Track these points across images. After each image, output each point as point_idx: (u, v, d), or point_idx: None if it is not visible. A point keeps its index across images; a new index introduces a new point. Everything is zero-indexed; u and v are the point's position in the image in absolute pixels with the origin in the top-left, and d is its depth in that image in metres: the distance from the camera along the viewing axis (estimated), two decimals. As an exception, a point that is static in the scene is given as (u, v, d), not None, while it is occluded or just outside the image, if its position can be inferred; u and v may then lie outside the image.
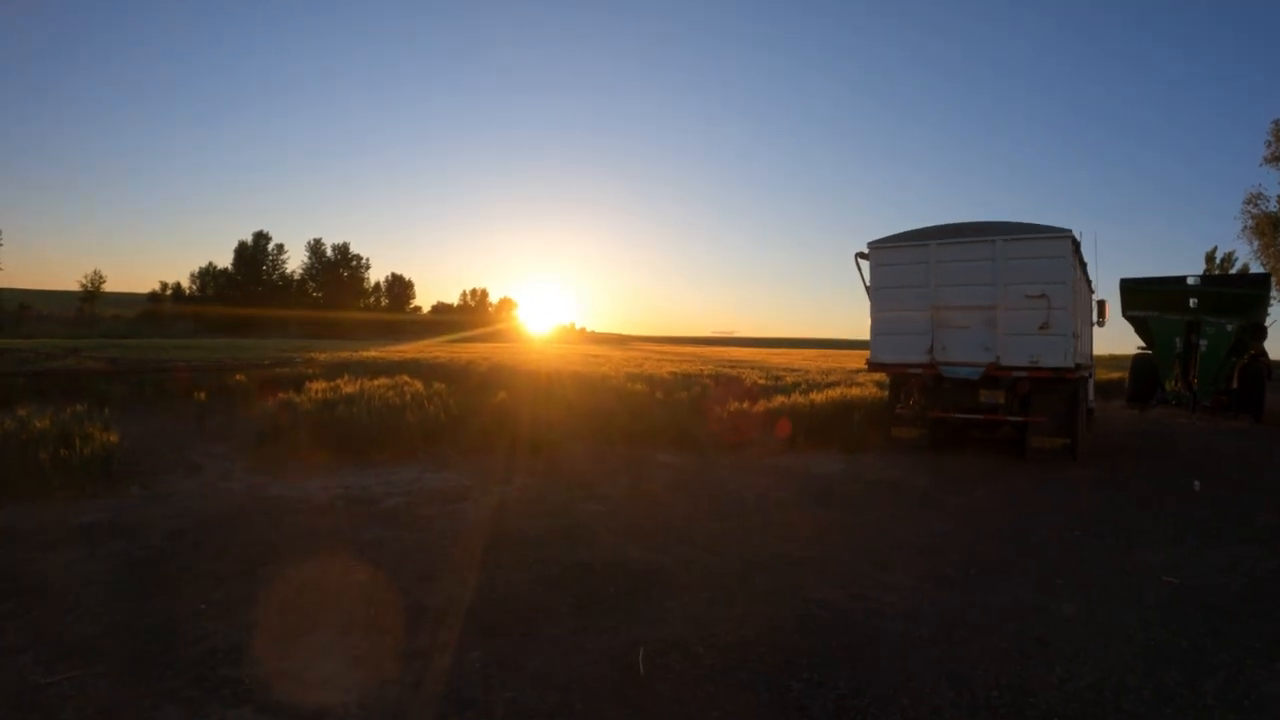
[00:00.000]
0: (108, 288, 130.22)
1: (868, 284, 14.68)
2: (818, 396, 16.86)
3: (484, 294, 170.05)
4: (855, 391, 18.11)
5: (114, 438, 10.11)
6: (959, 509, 9.58)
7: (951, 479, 11.50)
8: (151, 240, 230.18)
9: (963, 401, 13.85)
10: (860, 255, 14.72)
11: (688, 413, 15.87)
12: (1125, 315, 22.05)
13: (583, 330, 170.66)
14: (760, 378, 23.15)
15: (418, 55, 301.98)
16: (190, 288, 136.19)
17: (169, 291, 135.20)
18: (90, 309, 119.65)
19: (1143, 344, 23.04)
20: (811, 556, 7.30)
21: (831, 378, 23.58)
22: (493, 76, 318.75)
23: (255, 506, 8.76)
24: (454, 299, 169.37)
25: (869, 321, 14.68)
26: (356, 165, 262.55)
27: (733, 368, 28.10)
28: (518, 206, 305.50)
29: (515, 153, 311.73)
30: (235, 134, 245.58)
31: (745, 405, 15.58)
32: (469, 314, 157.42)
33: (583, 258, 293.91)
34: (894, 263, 14.33)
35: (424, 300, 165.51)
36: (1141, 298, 21.73)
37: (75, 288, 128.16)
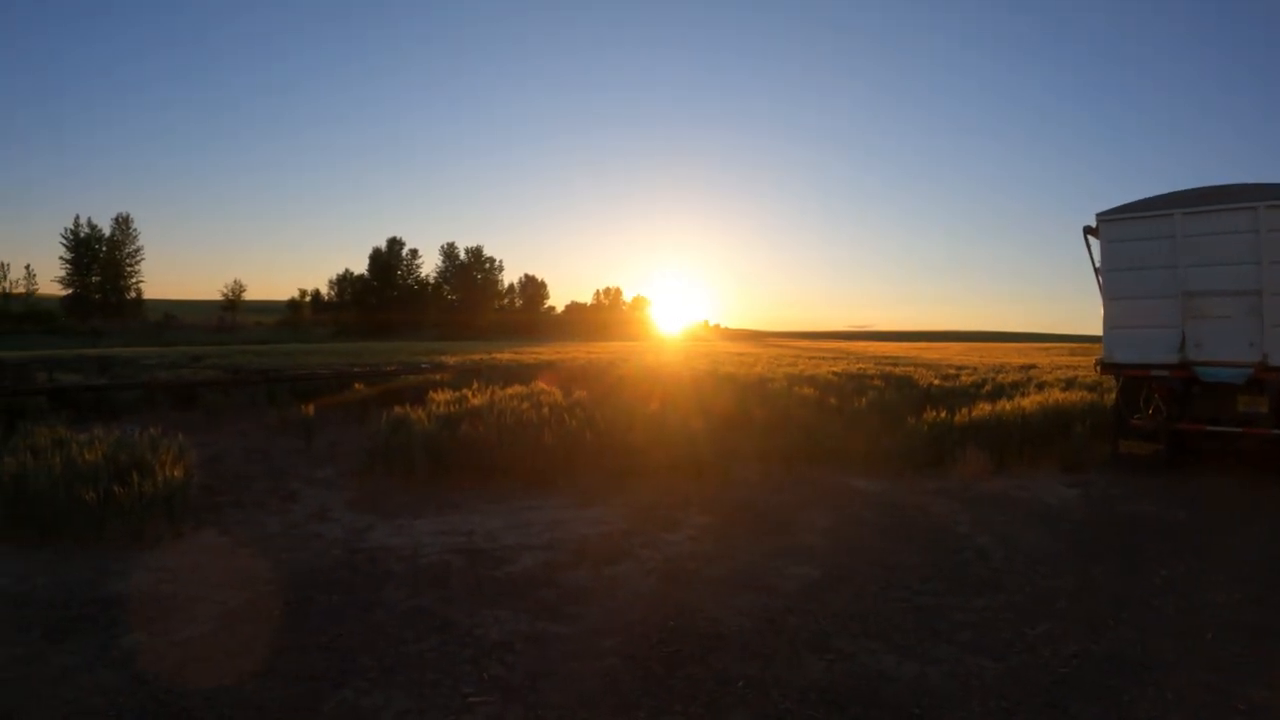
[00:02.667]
0: (250, 296, 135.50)
1: (1097, 265, 11.98)
2: (1026, 403, 14.12)
3: (617, 292, 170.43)
4: (1059, 396, 15.24)
5: (179, 472, 8.26)
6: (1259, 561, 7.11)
7: (1218, 512, 8.96)
8: (292, 249, 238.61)
9: (1216, 410, 11.04)
10: (1089, 230, 12.02)
11: (874, 424, 13.40)
12: None
13: (716, 327, 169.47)
14: (934, 378, 20.54)
15: (547, 55, 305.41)
16: (328, 294, 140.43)
17: (307, 298, 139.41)
18: (232, 317, 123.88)
19: None
20: (1123, 655, 4.95)
21: (1008, 376, 20.83)
22: (624, 74, 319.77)
23: (344, 567, 6.67)
24: (587, 298, 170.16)
25: (1100, 311, 11.98)
26: (489, 168, 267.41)
27: (894, 365, 25.58)
28: (650, 203, 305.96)
29: (646, 149, 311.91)
30: (370, 142, 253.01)
31: (941, 414, 12.96)
32: (602, 313, 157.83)
33: (713, 253, 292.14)
34: (1130, 238, 11.55)
35: (557, 300, 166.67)
36: None
37: (218, 297, 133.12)
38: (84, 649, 4.95)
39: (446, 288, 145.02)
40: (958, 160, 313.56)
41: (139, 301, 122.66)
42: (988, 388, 18.07)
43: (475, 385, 14.44)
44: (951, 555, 7.17)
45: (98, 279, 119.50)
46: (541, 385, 15.23)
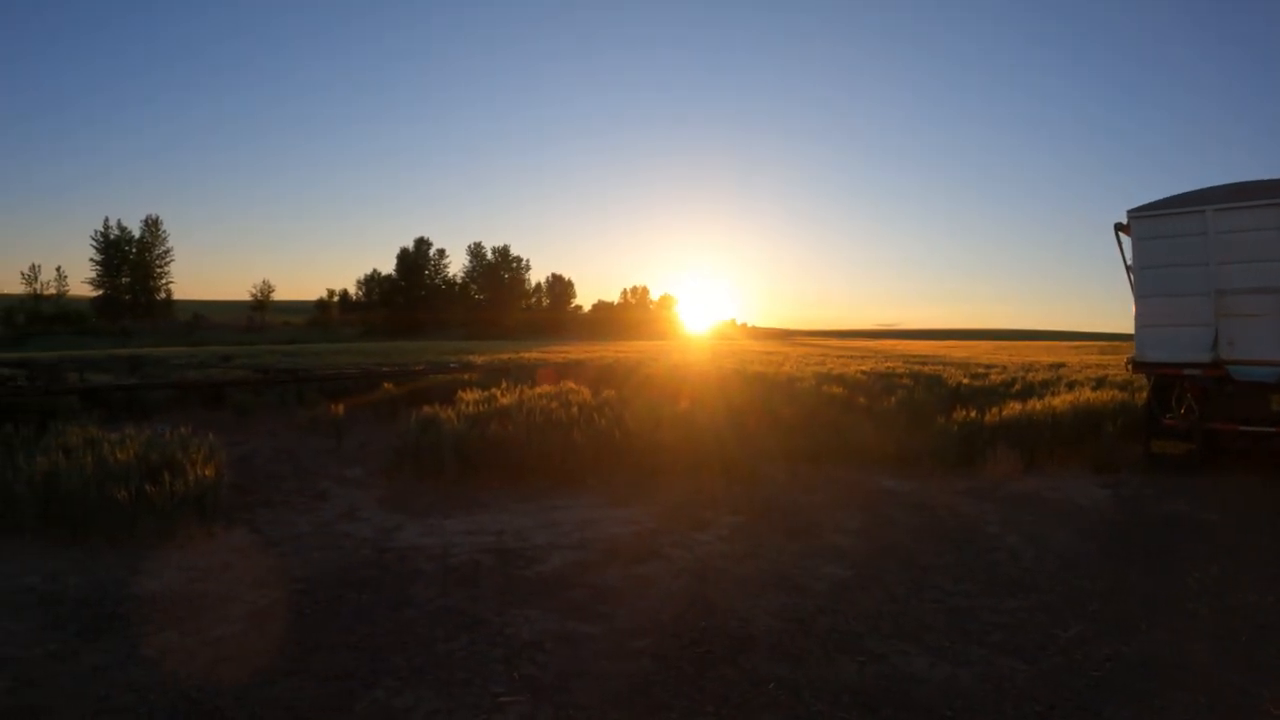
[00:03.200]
0: (278, 296, 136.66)
1: (1129, 263, 11.79)
2: (1057, 402, 13.94)
3: (644, 291, 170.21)
4: (1090, 395, 15.03)
5: (210, 471, 8.29)
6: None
7: (1251, 512, 8.79)
8: (320, 250, 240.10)
9: (1250, 410, 10.82)
10: (1120, 227, 11.84)
11: (904, 423, 13.28)
12: None
13: (743, 326, 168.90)
14: (963, 376, 20.33)
15: (574, 55, 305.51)
16: (356, 294, 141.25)
17: (335, 298, 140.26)
18: (260, 317, 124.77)
19: None
20: (1157, 658, 4.88)
21: (1038, 375, 20.58)
22: (651, 73, 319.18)
23: (374, 566, 6.68)
24: (614, 297, 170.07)
25: (1132, 309, 11.78)
26: (515, 168, 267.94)
27: (923, 364, 25.37)
28: (677, 202, 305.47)
29: (674, 148, 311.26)
30: (398, 143, 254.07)
31: (970, 413, 12.82)
32: (629, 312, 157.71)
33: (740, 252, 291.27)
34: (1162, 235, 11.35)
35: (584, 299, 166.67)
36: None
37: (247, 298, 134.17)
38: (115, 647, 4.98)
39: (473, 287, 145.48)
40: (986, 158, 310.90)
41: (168, 302, 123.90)
42: (1017, 387, 17.87)
43: (503, 384, 14.45)
44: (983, 556, 7.09)
45: (127, 280, 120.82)
46: (570, 385, 15.22)
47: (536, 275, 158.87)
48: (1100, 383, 17.71)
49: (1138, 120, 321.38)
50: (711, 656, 4.90)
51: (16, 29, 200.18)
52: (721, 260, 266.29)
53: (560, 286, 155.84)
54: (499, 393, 13.38)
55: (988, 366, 24.85)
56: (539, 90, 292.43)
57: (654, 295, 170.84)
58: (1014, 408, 13.24)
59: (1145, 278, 11.58)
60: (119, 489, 7.56)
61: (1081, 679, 4.58)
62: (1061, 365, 26.06)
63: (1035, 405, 13.44)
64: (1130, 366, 12.12)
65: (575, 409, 11.98)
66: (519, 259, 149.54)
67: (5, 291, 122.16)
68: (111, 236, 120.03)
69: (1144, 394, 12.13)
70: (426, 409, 11.89)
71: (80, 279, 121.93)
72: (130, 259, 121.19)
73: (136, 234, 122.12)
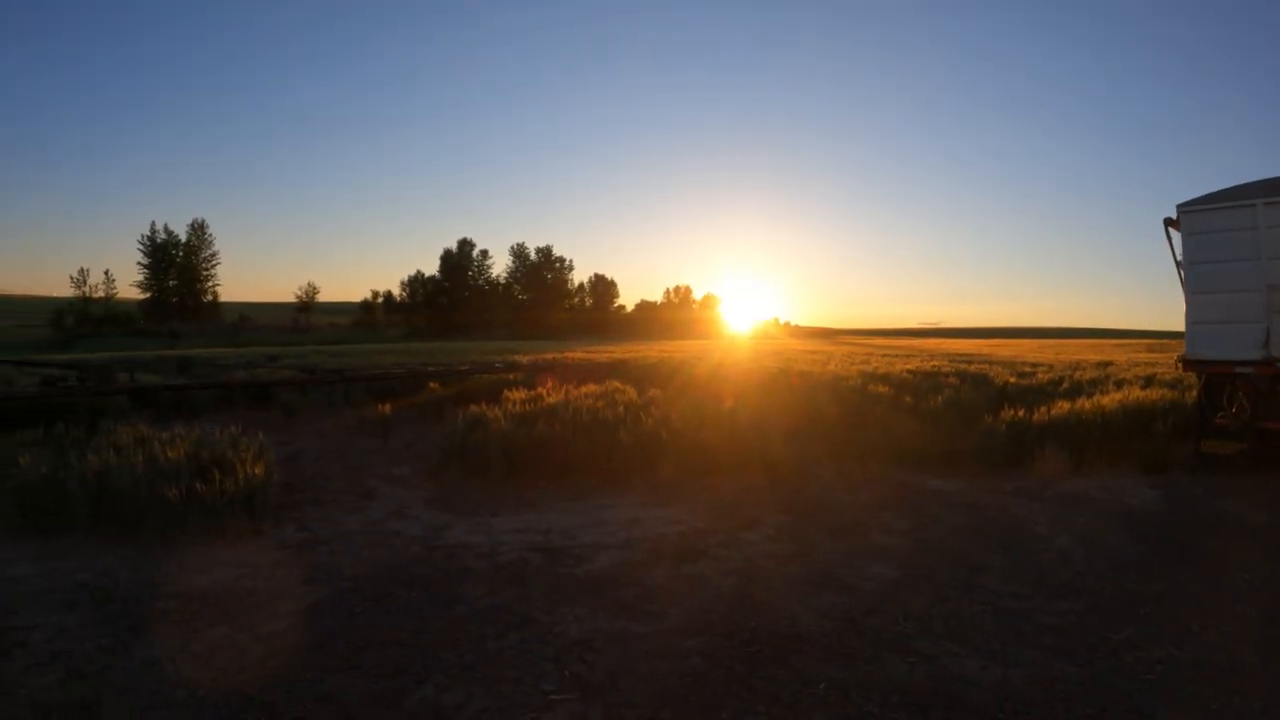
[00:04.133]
0: (323, 297, 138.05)
1: (1178, 258, 11.56)
2: (1105, 401, 13.68)
3: (687, 291, 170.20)
4: (1139, 394, 14.74)
5: (259, 470, 8.38)
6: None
7: None
8: (365, 252, 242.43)
9: None
10: (1169, 222, 11.60)
11: (950, 422, 13.13)
12: None
13: (786, 325, 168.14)
14: (1009, 375, 20.06)
15: (616, 57, 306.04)
16: (400, 295, 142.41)
17: (380, 299, 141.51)
18: (306, 318, 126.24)
19: None
20: (1209, 662, 4.79)
21: (1085, 373, 20.25)
22: (694, 75, 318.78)
23: (423, 563, 6.72)
24: (657, 297, 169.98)
25: (1181, 306, 11.55)
26: (558, 169, 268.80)
27: (968, 363, 25.08)
28: (719, 202, 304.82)
29: (716, 148, 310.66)
30: (441, 145, 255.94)
31: (1018, 412, 12.62)
32: (672, 311, 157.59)
33: (782, 251, 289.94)
34: (1212, 229, 11.09)
35: (627, 299, 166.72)
36: None
37: (292, 299, 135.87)
38: (166, 642, 5.05)
39: (517, 287, 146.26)
40: (1031, 153, 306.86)
41: (215, 304, 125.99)
42: (1065, 385, 17.59)
43: (549, 384, 14.47)
44: (1032, 557, 7.00)
45: (174, 283, 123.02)
46: (615, 385, 15.21)
47: (579, 275, 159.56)
48: (1149, 381, 17.42)
49: (1188, 112, 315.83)
50: (761, 656, 4.88)
51: (67, 36, 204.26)
52: (764, 259, 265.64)
53: (603, 286, 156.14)
54: (545, 392, 13.40)
55: (1034, 365, 24.53)
56: (582, 92, 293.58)
57: (697, 295, 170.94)
58: (1062, 407, 13.04)
59: (1195, 273, 11.35)
60: (169, 487, 7.68)
61: (1133, 682, 4.51)
62: (1109, 364, 25.67)
63: (1084, 404, 13.22)
64: (1180, 364, 11.89)
65: (621, 408, 11.99)
66: (562, 259, 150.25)
67: (55, 294, 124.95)
68: (158, 240, 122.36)
69: (1194, 392, 11.88)
70: (473, 408, 11.95)
71: (128, 282, 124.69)
72: (177, 262, 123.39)
73: (183, 237, 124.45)
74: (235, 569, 6.53)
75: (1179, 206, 11.41)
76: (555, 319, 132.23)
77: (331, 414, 16.36)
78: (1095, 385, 17.19)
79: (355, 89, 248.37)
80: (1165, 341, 52.20)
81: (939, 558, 6.94)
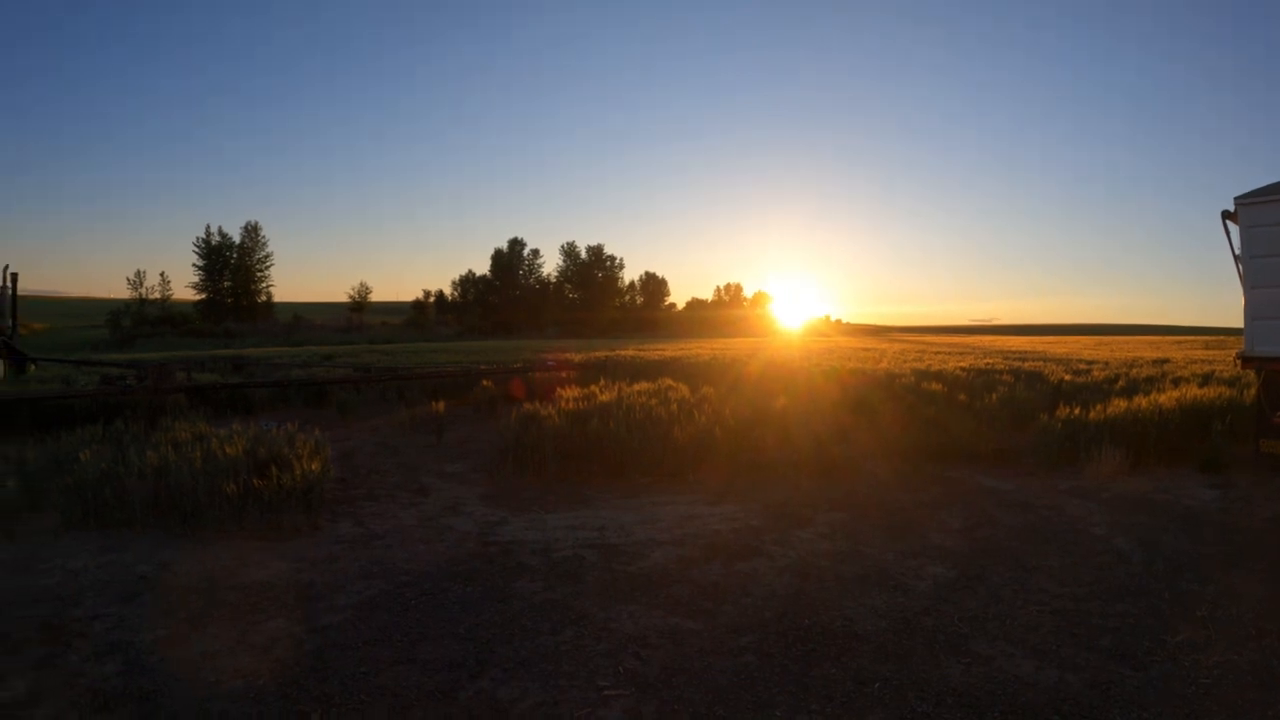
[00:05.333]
0: (375, 297, 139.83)
1: (1236, 252, 11.25)
2: (1162, 399, 13.36)
3: (738, 288, 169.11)
4: (1196, 392, 14.38)
5: (316, 466, 8.51)
6: None
7: None
8: (416, 252, 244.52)
9: None
10: (1227, 215, 11.30)
11: (1005, 421, 12.95)
12: None
13: (837, 323, 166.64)
14: (1064, 373, 19.69)
15: (666, 56, 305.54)
16: (452, 294, 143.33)
17: (432, 299, 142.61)
18: (359, 318, 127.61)
19: None
20: (1266, 667, 4.68)
21: (1141, 371, 19.81)
22: (743, 73, 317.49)
23: (478, 559, 6.78)
24: (708, 295, 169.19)
25: (1240, 301, 11.25)
26: (608, 168, 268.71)
27: (1022, 361, 24.65)
28: (770, 199, 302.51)
29: (766, 146, 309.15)
30: (492, 145, 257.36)
31: (1075, 411, 12.39)
32: (723, 309, 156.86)
33: (832, 248, 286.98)
34: (1272, 222, 10.78)
35: (678, 297, 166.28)
36: None
37: (345, 299, 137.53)
38: (225, 634, 5.16)
39: (568, 286, 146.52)
40: (1085, 147, 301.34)
41: (269, 304, 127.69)
42: (1121, 383, 17.20)
43: (602, 382, 14.49)
44: (1089, 558, 6.89)
45: (229, 284, 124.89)
46: (668, 382, 15.19)
47: (630, 274, 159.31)
48: (1206, 379, 17.01)
49: (1247, 104, 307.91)
50: (815, 654, 4.87)
51: (123, 42, 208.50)
52: (814, 257, 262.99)
53: (654, 285, 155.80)
54: (598, 390, 13.42)
55: (1089, 362, 24.04)
56: (632, 91, 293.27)
57: (748, 292, 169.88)
58: (1118, 405, 12.78)
59: (1255, 267, 11.06)
60: (227, 482, 7.83)
61: (1191, 687, 4.44)
62: (1166, 361, 25.07)
63: (1140, 402, 12.96)
64: (1239, 362, 11.60)
65: (674, 406, 11.98)
66: (613, 258, 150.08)
67: (112, 296, 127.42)
68: (213, 242, 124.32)
69: (1253, 391, 11.58)
70: (527, 406, 12.00)
71: (184, 283, 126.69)
72: (231, 264, 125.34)
73: (237, 239, 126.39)
74: (292, 563, 6.64)
75: (1237, 199, 11.15)
76: (606, 317, 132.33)
77: (385, 412, 16.57)
78: (1152, 383, 16.81)
79: (408, 91, 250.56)
80: (1223, 338, 50.90)
81: (994, 557, 6.87)
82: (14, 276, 24.83)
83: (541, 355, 26.38)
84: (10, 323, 24.62)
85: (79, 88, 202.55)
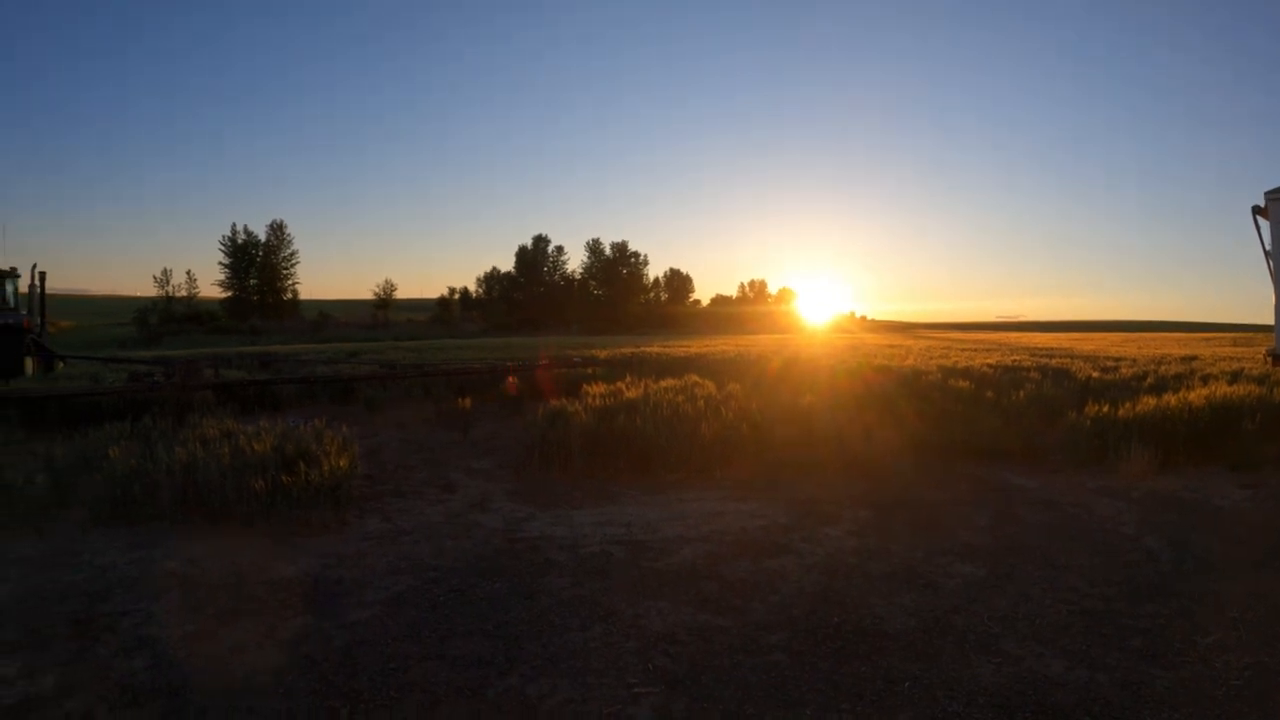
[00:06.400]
0: (400, 294, 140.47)
1: (1267, 247, 11.17)
2: (1192, 397, 13.16)
3: (762, 285, 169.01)
4: (1225, 389, 14.16)
5: (344, 462, 8.55)
6: None
7: None
8: (441, 249, 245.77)
9: None
10: (1257, 210, 11.20)
11: (1034, 418, 12.84)
12: None
13: (862, 319, 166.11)
14: (1092, 370, 19.50)
15: (687, 54, 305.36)
16: (477, 291, 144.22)
17: (456, 296, 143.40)
18: (384, 315, 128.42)
19: None
20: None
21: (1169, 368, 19.57)
22: (765, 70, 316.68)
23: (505, 555, 6.80)
24: (732, 291, 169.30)
25: (1271, 298, 11.15)
26: (632, 165, 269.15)
27: (1049, 357, 24.44)
28: (794, 196, 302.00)
29: (790, 142, 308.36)
30: (516, 142, 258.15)
31: (1103, 408, 12.26)
32: (748, 305, 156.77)
33: (857, 244, 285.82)
34: None
35: (702, 294, 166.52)
36: None
37: (370, 296, 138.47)
38: (253, 629, 5.19)
39: (592, 283, 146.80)
40: (1108, 142, 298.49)
41: (295, 302, 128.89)
42: (1149, 380, 16.98)
43: (628, 378, 14.48)
44: (1118, 557, 6.82)
45: (255, 282, 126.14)
46: (694, 379, 15.16)
47: (654, 270, 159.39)
48: (1235, 376, 16.75)
49: (1275, 96, 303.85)
50: (845, 653, 4.84)
51: (147, 41, 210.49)
52: (839, 253, 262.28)
53: (678, 281, 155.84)
54: (624, 386, 13.41)
55: (1117, 359, 23.77)
56: (657, 88, 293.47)
57: (772, 289, 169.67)
58: (1147, 403, 12.63)
59: None
60: (255, 478, 7.88)
61: (1221, 688, 4.38)
62: (1194, 358, 24.73)
63: (1169, 400, 12.79)
64: (1270, 359, 11.49)
65: (701, 402, 11.95)
66: (637, 254, 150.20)
67: (138, 294, 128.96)
68: (239, 241, 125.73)
69: None
70: (554, 402, 12.01)
71: (210, 281, 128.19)
72: (257, 261, 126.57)
73: (262, 238, 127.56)
74: (320, 559, 6.67)
75: (1267, 194, 11.06)
76: (630, 314, 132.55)
77: (411, 408, 16.59)
78: (1180, 380, 16.59)
79: (433, 89, 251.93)
80: (1251, 335, 50.41)
81: (1023, 556, 6.81)
82: (42, 275, 25.06)
83: (567, 353, 26.40)
84: (39, 321, 24.88)
85: (106, 88, 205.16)
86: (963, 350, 29.00)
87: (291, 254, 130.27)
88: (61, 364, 25.34)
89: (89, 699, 4.26)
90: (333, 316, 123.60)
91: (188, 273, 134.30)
